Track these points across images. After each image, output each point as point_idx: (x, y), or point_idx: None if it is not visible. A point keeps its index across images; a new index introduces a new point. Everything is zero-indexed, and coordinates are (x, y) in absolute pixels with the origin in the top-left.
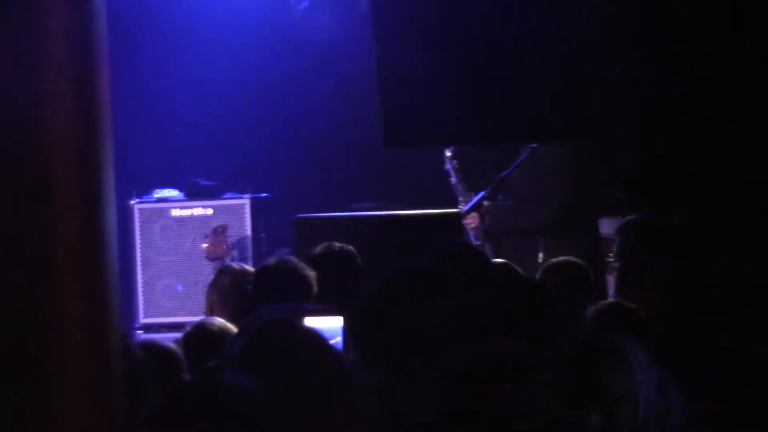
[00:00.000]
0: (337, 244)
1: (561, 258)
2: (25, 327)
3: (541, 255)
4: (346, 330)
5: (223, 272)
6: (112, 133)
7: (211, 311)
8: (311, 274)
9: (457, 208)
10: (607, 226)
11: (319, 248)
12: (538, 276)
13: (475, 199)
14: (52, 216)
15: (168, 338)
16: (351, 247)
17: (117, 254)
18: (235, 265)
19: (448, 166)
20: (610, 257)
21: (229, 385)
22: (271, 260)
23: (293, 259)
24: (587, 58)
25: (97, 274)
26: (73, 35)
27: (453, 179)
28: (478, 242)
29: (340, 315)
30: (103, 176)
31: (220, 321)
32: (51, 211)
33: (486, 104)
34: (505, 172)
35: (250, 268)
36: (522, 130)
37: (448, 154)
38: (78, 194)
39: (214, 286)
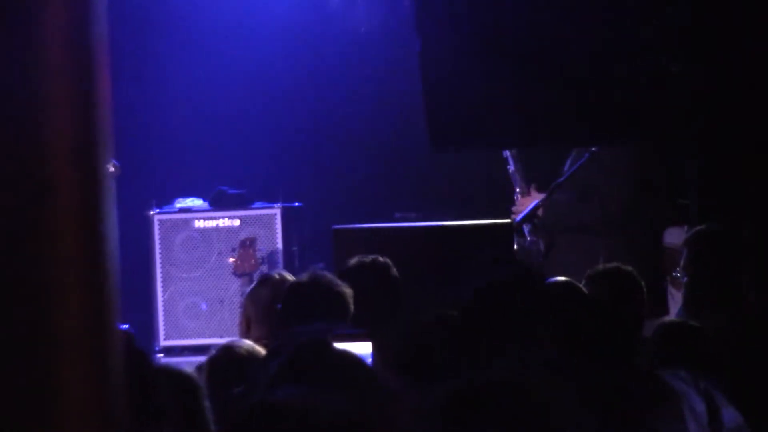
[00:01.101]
0: (370, 257)
1: (609, 265)
2: (21, 341)
3: (601, 258)
4: (376, 355)
5: (263, 282)
6: (112, 138)
7: (247, 327)
8: (347, 291)
9: (512, 202)
10: (673, 236)
11: (350, 262)
12: (582, 284)
13: (530, 207)
14: (50, 224)
15: (191, 362)
16: (385, 259)
17: (119, 265)
18: (277, 274)
19: (507, 152)
20: (677, 271)
21: (292, 403)
22: (304, 276)
23: (327, 274)
24: (650, 54)
25: (97, 286)
26: (71, 37)
27: (511, 167)
28: (532, 238)
29: (370, 340)
30: (104, 181)
31: (248, 344)
32: (48, 219)
33: (541, 103)
34: (561, 179)
35: (292, 277)
36: (581, 132)
37: None
38: (77, 201)
39: (252, 299)
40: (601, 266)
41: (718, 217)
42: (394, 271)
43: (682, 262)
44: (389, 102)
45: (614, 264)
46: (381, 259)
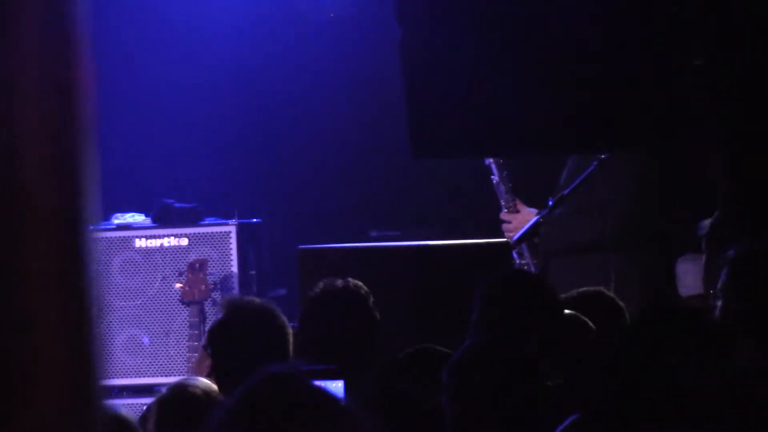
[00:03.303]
0: (341, 281)
1: (587, 289)
2: None
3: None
4: (348, 397)
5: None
6: (95, 144)
7: (200, 364)
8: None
9: (497, 221)
10: (687, 275)
11: (318, 287)
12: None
13: (529, 224)
14: (24, 234)
15: (131, 404)
16: (358, 284)
17: (97, 282)
18: (241, 298)
19: (489, 160)
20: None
21: None
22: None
23: (257, 303)
24: (665, 48)
25: (75, 302)
26: (48, 39)
27: (495, 177)
28: (521, 261)
29: (341, 378)
30: (83, 189)
31: (204, 382)
32: (23, 230)
33: (539, 104)
34: (566, 190)
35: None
36: (586, 137)
37: None
38: (53, 210)
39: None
40: (576, 291)
41: (746, 222)
42: (371, 300)
43: (719, 284)
44: (364, 102)
45: (596, 288)
46: (354, 283)
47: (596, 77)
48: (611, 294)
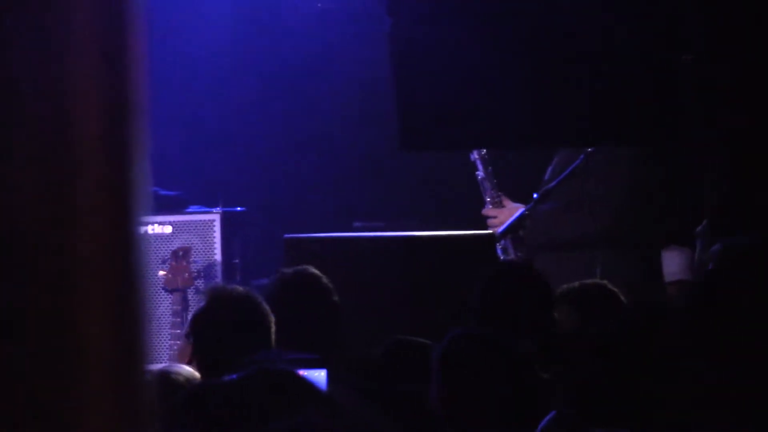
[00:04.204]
0: (288, 270)
1: (582, 283)
2: (40, 346)
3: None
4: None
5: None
6: (147, 129)
7: (182, 351)
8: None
9: (483, 214)
10: (672, 264)
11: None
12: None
13: (514, 216)
14: (74, 220)
15: None
16: (312, 270)
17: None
18: (225, 286)
19: (474, 155)
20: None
21: None
22: (209, 295)
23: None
24: (658, 42)
25: (124, 286)
26: (102, 20)
27: (480, 173)
28: (505, 257)
29: (324, 368)
30: (134, 176)
31: (187, 370)
32: (73, 215)
33: (528, 97)
34: (552, 183)
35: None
36: (576, 131)
37: None
38: (104, 195)
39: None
40: (567, 286)
41: (737, 223)
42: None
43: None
44: (350, 93)
45: (595, 281)
46: (311, 272)
47: (587, 72)
48: (614, 288)
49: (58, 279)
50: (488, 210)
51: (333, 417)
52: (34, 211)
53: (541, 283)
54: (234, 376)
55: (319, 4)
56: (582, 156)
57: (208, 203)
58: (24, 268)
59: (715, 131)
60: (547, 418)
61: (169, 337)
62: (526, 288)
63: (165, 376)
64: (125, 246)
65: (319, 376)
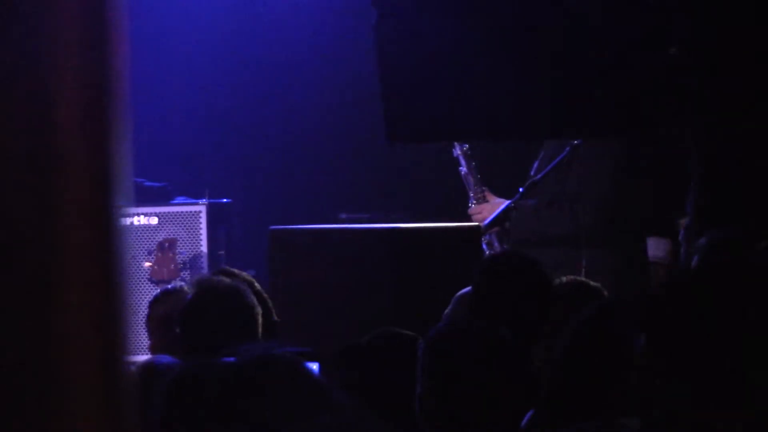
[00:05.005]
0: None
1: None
2: (25, 342)
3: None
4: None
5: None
6: (129, 120)
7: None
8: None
9: (467, 207)
10: (655, 248)
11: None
12: None
13: (501, 208)
14: (55, 212)
15: None
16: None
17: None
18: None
19: (457, 151)
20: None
21: None
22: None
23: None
24: (646, 36)
25: (107, 282)
26: (83, 7)
27: (463, 169)
28: (492, 252)
29: (316, 360)
30: (115, 167)
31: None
32: (54, 207)
33: (515, 89)
34: (538, 176)
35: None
36: (562, 123)
37: None
38: (85, 187)
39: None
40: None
41: (724, 218)
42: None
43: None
44: (336, 84)
45: (575, 278)
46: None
47: (572, 64)
48: (596, 284)
49: (40, 271)
50: (472, 209)
51: (333, 411)
52: (15, 203)
53: (538, 271)
54: (233, 358)
55: None
56: (567, 149)
57: (194, 195)
58: (5, 260)
59: (692, 123)
60: (527, 416)
61: None
62: (523, 276)
63: (150, 367)
64: (106, 238)
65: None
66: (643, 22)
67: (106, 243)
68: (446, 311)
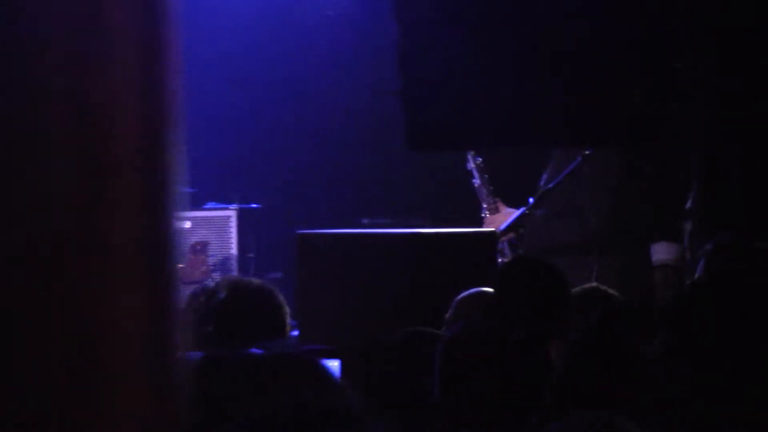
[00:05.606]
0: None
1: (584, 286)
2: (75, 339)
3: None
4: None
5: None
6: (183, 129)
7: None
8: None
9: (481, 217)
10: (661, 253)
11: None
12: None
13: (515, 215)
14: (109, 214)
15: None
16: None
17: (178, 261)
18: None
19: (470, 165)
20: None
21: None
22: (224, 288)
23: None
24: (658, 50)
25: (158, 283)
26: (139, 20)
27: (476, 181)
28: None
29: (337, 358)
30: (169, 174)
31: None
32: (107, 210)
33: (533, 99)
34: (551, 183)
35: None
36: (578, 133)
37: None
38: (139, 192)
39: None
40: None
41: (726, 219)
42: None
43: (696, 276)
44: (360, 94)
45: (593, 285)
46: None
47: (588, 77)
48: (612, 291)
49: (94, 274)
50: (486, 219)
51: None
52: (70, 207)
53: (557, 276)
54: (254, 350)
55: (330, 12)
56: (579, 158)
57: (225, 200)
58: (61, 262)
59: (696, 133)
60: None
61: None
62: (542, 280)
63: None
64: (159, 241)
65: (332, 366)
66: (652, 35)
67: (161, 245)
68: (447, 315)
